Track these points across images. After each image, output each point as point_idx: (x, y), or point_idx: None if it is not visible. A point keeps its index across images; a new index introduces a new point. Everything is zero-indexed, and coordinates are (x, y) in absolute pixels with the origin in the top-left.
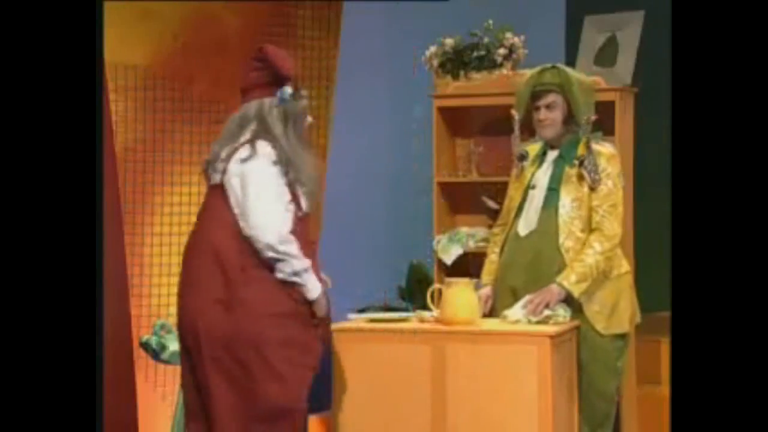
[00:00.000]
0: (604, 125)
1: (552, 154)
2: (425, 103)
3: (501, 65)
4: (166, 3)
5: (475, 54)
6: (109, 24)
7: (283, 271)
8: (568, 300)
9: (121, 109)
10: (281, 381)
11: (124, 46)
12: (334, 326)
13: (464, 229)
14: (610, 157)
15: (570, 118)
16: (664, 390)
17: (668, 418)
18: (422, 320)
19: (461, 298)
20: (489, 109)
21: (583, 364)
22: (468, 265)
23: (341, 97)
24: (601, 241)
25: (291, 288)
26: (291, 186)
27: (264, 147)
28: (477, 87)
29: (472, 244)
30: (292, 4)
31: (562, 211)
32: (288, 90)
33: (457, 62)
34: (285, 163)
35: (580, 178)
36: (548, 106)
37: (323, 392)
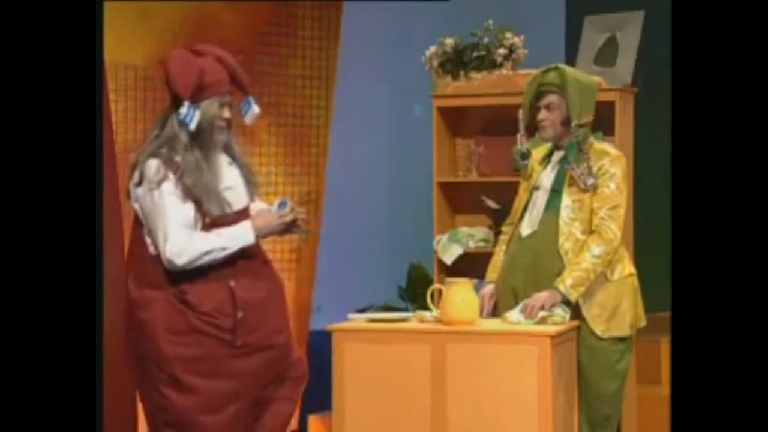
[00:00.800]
0: (604, 125)
1: (557, 155)
2: (425, 103)
3: (501, 65)
4: (166, 3)
5: (475, 54)
6: (109, 24)
7: (218, 261)
8: (567, 301)
9: (121, 109)
10: (192, 393)
11: (124, 46)
12: (334, 326)
13: (464, 229)
14: (614, 159)
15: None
16: (664, 390)
17: (668, 418)
18: (422, 320)
19: (461, 298)
20: (489, 109)
21: (582, 365)
22: (468, 265)
23: (341, 97)
24: (599, 244)
25: (186, 307)
26: (189, 195)
27: (148, 168)
28: (477, 87)
29: (472, 244)
30: (292, 4)
31: (563, 213)
32: (182, 111)
33: (457, 62)
34: (179, 174)
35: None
36: (547, 107)
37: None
